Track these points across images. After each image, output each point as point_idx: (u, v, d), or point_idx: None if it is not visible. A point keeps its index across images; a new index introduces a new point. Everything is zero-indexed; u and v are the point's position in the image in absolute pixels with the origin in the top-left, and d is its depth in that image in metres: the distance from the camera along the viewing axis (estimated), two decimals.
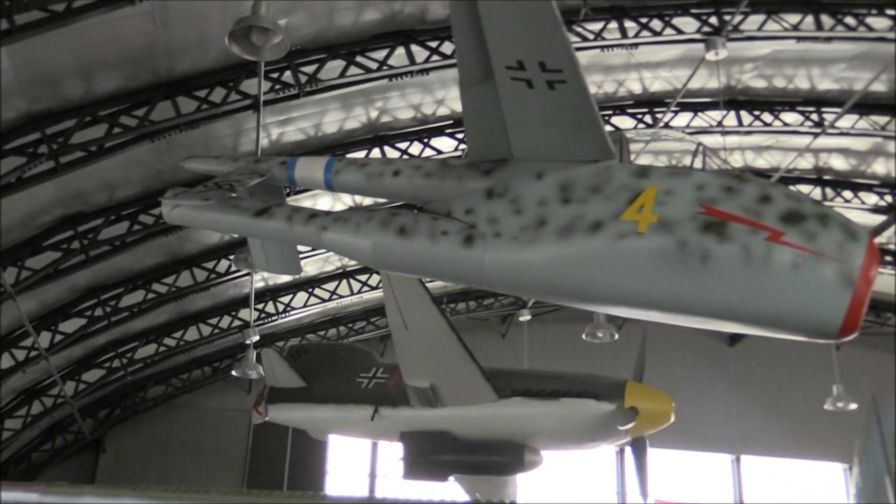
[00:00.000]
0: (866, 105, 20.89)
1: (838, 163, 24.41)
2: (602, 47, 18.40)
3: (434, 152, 20.82)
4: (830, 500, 30.38)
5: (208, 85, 16.29)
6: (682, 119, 21.79)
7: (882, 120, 21.54)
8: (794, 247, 6.68)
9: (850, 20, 18.45)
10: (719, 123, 21.36)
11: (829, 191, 24.74)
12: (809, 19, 18.53)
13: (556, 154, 7.71)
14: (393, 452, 20.04)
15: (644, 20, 18.20)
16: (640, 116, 21.67)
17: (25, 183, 15.74)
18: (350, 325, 29.38)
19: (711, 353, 32.71)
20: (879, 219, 24.12)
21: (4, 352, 20.66)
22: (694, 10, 18.34)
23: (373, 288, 26.16)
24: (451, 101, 19.91)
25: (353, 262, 23.64)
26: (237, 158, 10.06)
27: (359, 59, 17.12)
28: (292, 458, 28.94)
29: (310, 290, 26.11)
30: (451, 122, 20.71)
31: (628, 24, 18.18)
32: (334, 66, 17.02)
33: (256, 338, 23.92)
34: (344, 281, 26.24)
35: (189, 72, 16.06)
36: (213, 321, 25.61)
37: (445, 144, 21.00)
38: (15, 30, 12.57)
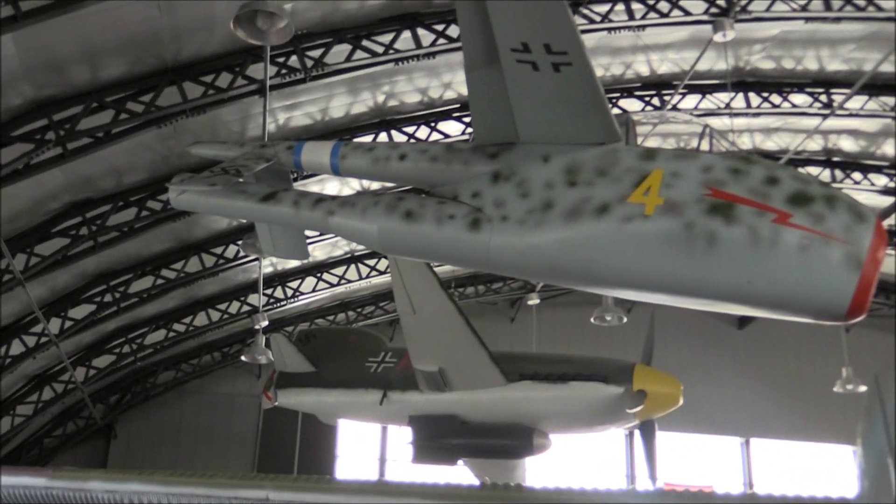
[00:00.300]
0: (876, 86, 20.71)
1: (847, 144, 24.28)
2: (609, 29, 18.27)
3: (441, 136, 20.75)
4: (839, 483, 30.34)
5: (214, 70, 16.24)
6: (690, 101, 21.67)
7: (891, 101, 21.38)
8: (801, 228, 6.65)
9: (859, 0, 18.30)
10: (727, 105, 21.21)
11: (838, 172, 24.62)
12: None
13: (563, 137, 7.68)
14: (402, 437, 20.09)
15: (651, 1, 18.05)
16: (647, 99, 21.55)
17: (33, 169, 15.75)
18: (359, 310, 29.41)
19: (720, 336, 32.64)
20: (889, 200, 24.01)
21: (15, 338, 20.78)
22: None
23: (381, 272, 26.15)
24: (457, 84, 19.81)
25: (362, 247, 23.66)
26: (244, 143, 10.05)
27: (365, 42, 17.03)
28: (302, 443, 29.06)
29: (318, 274, 26.14)
30: (457, 105, 20.62)
31: (635, 5, 18.05)
32: (340, 51, 16.96)
33: (265, 323, 23.98)
34: (352, 265, 26.25)
35: (195, 57, 16.02)
36: (222, 306, 25.70)
37: (452, 128, 20.95)
38: (20, 16, 12.54)
